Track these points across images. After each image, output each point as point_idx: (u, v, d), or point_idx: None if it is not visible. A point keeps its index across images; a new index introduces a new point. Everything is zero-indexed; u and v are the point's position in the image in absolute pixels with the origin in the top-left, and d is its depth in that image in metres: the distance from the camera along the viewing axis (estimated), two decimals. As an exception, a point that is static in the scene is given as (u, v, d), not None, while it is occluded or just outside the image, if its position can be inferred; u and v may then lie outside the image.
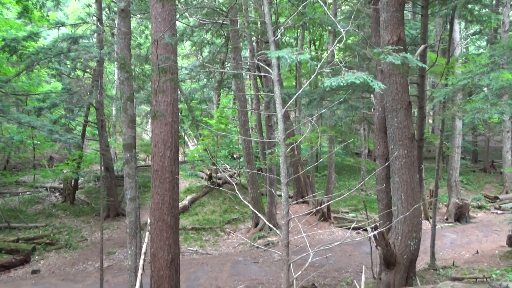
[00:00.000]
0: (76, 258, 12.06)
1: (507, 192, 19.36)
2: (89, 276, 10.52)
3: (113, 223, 15.14)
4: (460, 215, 15.45)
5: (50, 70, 14.28)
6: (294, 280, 3.31)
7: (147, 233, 7.08)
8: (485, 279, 5.62)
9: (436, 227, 10.13)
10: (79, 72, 16.43)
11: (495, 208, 17.40)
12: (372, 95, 9.26)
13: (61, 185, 17.46)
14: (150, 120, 13.15)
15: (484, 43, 26.17)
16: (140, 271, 6.76)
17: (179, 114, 7.65)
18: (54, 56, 11.98)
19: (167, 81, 6.40)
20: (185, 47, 23.66)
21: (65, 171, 16.20)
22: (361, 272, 8.36)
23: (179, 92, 11.65)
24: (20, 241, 12.50)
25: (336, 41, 3.68)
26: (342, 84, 3.16)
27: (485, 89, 9.90)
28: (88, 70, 15.60)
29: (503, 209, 16.82)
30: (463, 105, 8.22)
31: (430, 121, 25.52)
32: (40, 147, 17.57)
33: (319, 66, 3.73)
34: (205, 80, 21.16)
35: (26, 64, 12.09)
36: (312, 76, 3.89)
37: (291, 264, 3.12)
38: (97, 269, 10.74)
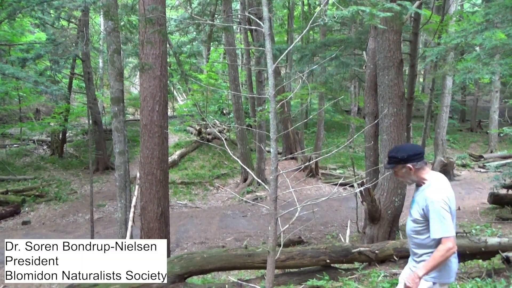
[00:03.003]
0: (66, 210, 12.19)
1: (491, 151, 19.75)
2: (80, 228, 10.69)
3: (102, 176, 15.20)
4: (445, 173, 15.72)
5: (33, 20, 13.72)
6: (281, 233, 3.39)
7: (137, 186, 7.14)
8: (465, 234, 5.83)
9: (421, 184, 10.35)
10: (64, 22, 15.83)
11: (479, 167, 17.81)
12: (364, 52, 9.13)
13: (49, 138, 17.31)
14: (138, 74, 12.90)
15: (479, 1, 25.68)
16: (130, 223, 6.88)
17: (168, 67, 7.50)
18: (36, 4, 11.45)
19: (155, 33, 6.21)
20: (173, -2, 22.81)
21: (52, 124, 16.00)
22: (347, 226, 8.61)
23: (167, 45, 11.33)
24: (9, 193, 12.53)
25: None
26: (346, 14, 3.05)
27: (477, 48, 9.81)
28: (73, 20, 15.03)
29: (487, 167, 17.23)
30: (455, 64, 8.17)
31: (421, 79, 25.48)
32: (26, 99, 17.21)
33: (311, 20, 3.64)
34: (194, 33, 20.61)
35: (7, 12, 11.56)
36: (304, 31, 3.80)
37: (278, 218, 3.19)
38: (87, 221, 10.89)
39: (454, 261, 2.82)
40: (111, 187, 13.98)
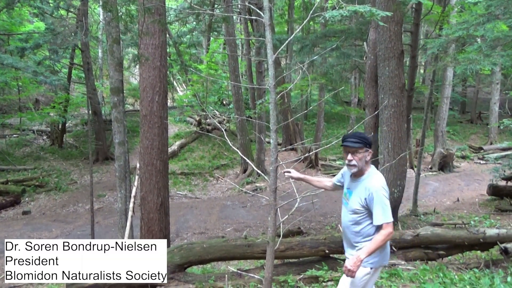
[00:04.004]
0: (66, 200, 12.22)
1: (491, 143, 19.75)
2: (80, 218, 10.73)
3: (102, 166, 15.21)
4: (444, 165, 15.83)
5: (32, 9, 13.64)
6: (281, 224, 3.40)
7: (137, 177, 7.15)
8: (463, 225, 5.86)
9: (420, 175, 10.37)
10: (63, 12, 15.71)
11: (479, 158, 17.83)
12: (364, 43, 9.09)
13: (49, 128, 17.28)
14: (138, 64, 12.82)
15: (481, -9, 25.45)
16: (130, 213, 6.89)
17: (167, 58, 7.46)
18: (35, -7, 11.39)
19: (154, 23, 6.17)
20: (173, -13, 22.64)
21: (51, 114, 15.97)
22: (346, 217, 8.64)
23: (167, 35, 11.28)
24: (9, 183, 12.55)
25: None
26: (344, 14, 3.05)
27: (479, 39, 9.75)
28: (71, 10, 14.93)
29: (486, 159, 17.24)
30: (456, 55, 8.12)
31: (421, 71, 25.38)
32: (25, 89, 17.14)
33: (311, 11, 3.61)
34: (194, 23, 20.47)
35: (6, 1, 11.49)
36: (305, 21, 3.77)
37: (278, 209, 3.19)
38: (87, 211, 10.93)
39: (388, 245, 3.01)
40: (111, 178, 13.99)
